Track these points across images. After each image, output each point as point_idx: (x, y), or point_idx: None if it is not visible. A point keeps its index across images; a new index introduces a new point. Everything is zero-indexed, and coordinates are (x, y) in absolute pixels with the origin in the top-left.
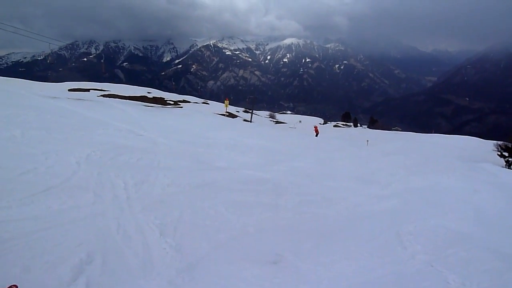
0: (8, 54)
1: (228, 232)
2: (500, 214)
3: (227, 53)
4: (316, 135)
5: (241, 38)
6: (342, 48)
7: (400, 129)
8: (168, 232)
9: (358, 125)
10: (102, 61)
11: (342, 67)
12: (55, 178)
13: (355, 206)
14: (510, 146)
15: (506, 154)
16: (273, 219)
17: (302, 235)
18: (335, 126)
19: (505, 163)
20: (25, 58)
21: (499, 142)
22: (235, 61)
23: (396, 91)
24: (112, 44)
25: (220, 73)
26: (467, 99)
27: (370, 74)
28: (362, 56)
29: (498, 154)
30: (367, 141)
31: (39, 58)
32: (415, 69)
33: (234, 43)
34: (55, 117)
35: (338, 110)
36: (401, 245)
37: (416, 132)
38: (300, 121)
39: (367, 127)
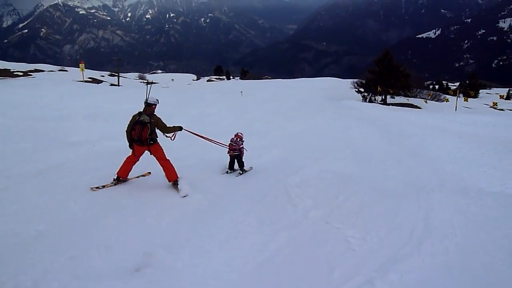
0: None
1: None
2: (371, 149)
3: (81, 12)
4: None
5: None
6: (206, 1)
7: (270, 77)
8: None
9: (231, 77)
10: None
11: (208, 21)
12: None
13: None
14: (364, 82)
15: (362, 89)
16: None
17: (171, 218)
18: (208, 80)
19: (362, 98)
20: None
21: (355, 80)
22: (91, 20)
23: (263, 41)
24: None
25: (76, 35)
26: (325, 43)
27: (236, 26)
28: (226, 8)
29: (355, 91)
30: (241, 92)
31: None
32: (277, 18)
33: (88, 0)
34: None
35: (209, 64)
36: (291, 203)
37: (284, 78)
38: (172, 80)
39: (240, 78)
